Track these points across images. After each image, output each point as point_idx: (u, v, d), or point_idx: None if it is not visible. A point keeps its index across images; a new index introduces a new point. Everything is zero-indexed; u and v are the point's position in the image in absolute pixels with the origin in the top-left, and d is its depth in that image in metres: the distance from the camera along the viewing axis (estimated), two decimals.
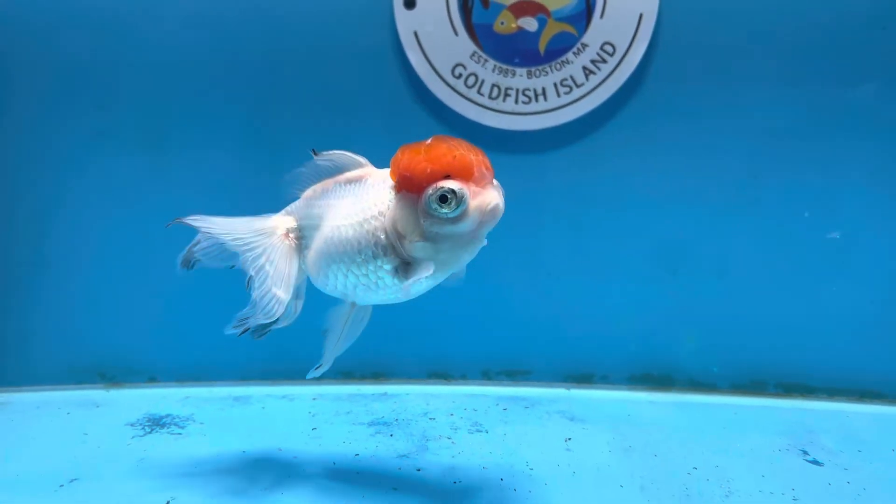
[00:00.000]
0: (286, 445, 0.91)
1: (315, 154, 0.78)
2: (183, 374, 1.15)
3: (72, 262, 1.12)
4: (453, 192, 0.68)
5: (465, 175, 0.69)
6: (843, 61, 1.08)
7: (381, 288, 0.74)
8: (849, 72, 1.08)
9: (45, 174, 1.11)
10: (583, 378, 1.17)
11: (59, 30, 1.08)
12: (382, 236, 0.71)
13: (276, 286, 0.76)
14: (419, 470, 0.84)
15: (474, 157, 0.70)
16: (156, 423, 0.98)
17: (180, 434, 0.95)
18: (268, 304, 0.75)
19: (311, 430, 0.96)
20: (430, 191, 0.68)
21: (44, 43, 1.08)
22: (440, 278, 0.75)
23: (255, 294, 0.76)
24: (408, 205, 0.70)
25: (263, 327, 0.81)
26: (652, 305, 1.15)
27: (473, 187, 0.69)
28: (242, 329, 0.78)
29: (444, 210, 0.68)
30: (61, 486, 0.80)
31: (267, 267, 0.77)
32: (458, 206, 0.68)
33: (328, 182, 0.78)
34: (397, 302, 0.78)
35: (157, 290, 1.14)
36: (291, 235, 0.79)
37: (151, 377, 1.15)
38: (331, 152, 0.78)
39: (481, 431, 0.96)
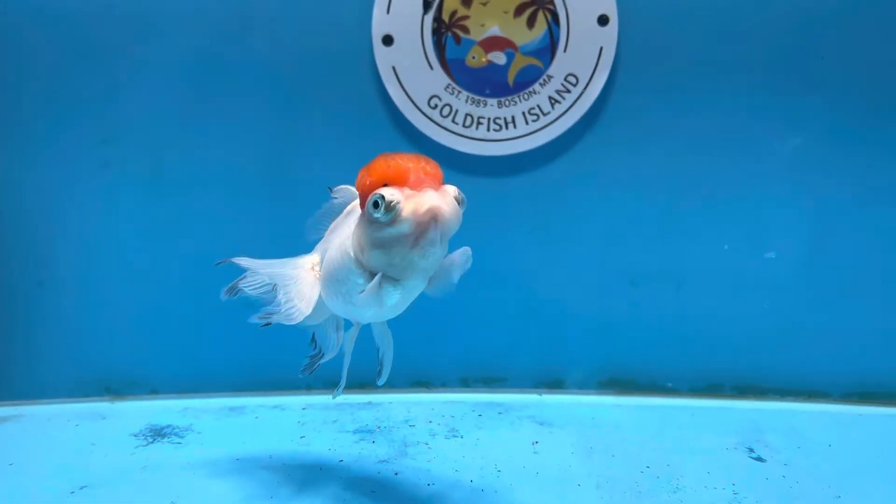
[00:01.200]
0: (276, 453, 0.99)
1: (331, 191, 0.85)
2: (182, 386, 1.23)
3: (77, 281, 1.21)
4: (382, 196, 0.69)
5: (400, 181, 0.71)
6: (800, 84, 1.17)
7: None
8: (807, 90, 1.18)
9: (51, 197, 1.19)
10: (555, 384, 1.25)
11: (67, 66, 1.17)
12: (351, 252, 0.76)
13: (300, 299, 0.81)
14: (396, 474, 0.93)
15: (412, 164, 0.72)
16: (157, 433, 1.07)
17: (180, 443, 1.03)
18: (289, 309, 0.81)
19: (300, 438, 1.04)
20: (368, 200, 0.71)
21: (54, 78, 1.17)
22: (414, 288, 0.77)
23: (279, 297, 0.82)
24: (360, 218, 0.75)
25: (312, 362, 0.90)
26: (616, 315, 1.24)
27: (408, 191, 0.70)
28: (265, 322, 0.83)
29: (377, 215, 0.70)
30: (72, 492, 0.89)
31: (293, 285, 0.83)
32: (388, 209, 0.69)
33: (339, 217, 0.85)
34: (389, 316, 0.84)
35: (158, 308, 1.22)
36: (315, 268, 0.85)
37: (153, 389, 1.23)
38: (339, 187, 0.86)
39: (457, 437, 1.05)
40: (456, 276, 0.80)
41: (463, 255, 0.81)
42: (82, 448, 1.02)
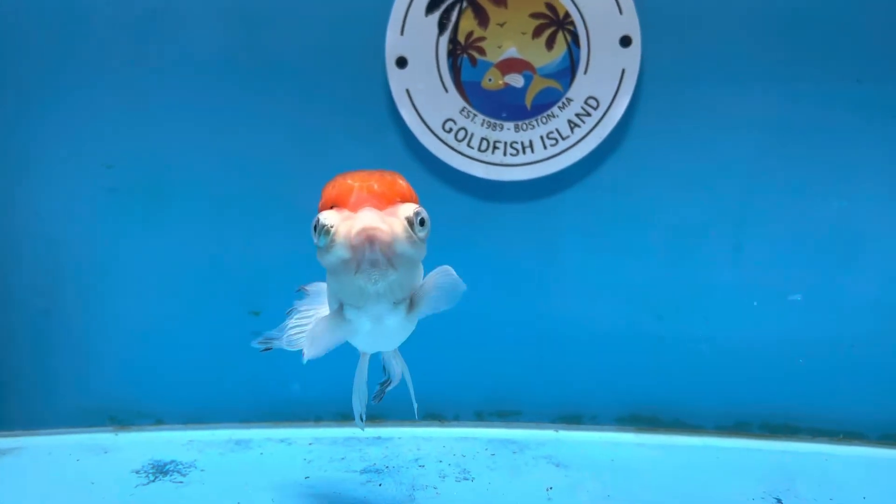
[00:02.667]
0: (280, 497, 0.95)
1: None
2: (188, 416, 1.20)
3: (82, 309, 1.18)
4: (318, 220, 0.67)
5: (342, 202, 0.68)
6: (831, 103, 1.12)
7: None
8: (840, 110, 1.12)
9: (56, 224, 1.16)
10: (572, 419, 1.20)
11: (71, 92, 1.14)
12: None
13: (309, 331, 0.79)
14: None
15: (359, 183, 0.68)
16: (160, 470, 1.04)
17: (181, 483, 1.00)
18: (294, 336, 0.80)
19: (305, 479, 1.00)
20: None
21: (58, 103, 1.15)
22: (382, 314, 0.72)
23: (288, 321, 0.80)
24: None
25: (382, 389, 0.88)
26: (638, 348, 1.19)
27: (346, 213, 0.67)
28: (266, 346, 0.82)
29: (315, 240, 0.67)
30: None
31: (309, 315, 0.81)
32: (323, 234, 0.67)
33: None
34: (384, 346, 0.82)
35: (163, 337, 1.19)
36: None
37: (158, 420, 1.20)
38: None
39: (468, 479, 1.00)
40: (439, 301, 0.74)
41: (441, 275, 0.73)
42: (81, 487, 0.98)
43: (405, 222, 0.67)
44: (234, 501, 0.94)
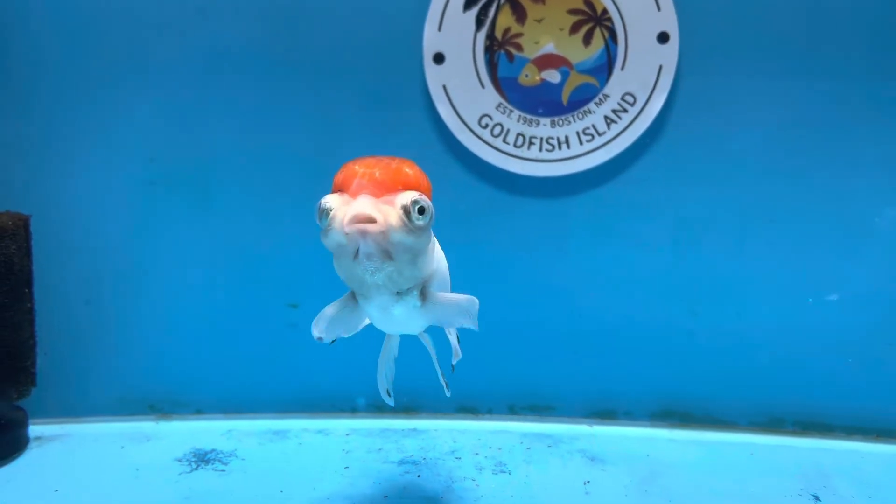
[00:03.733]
0: (320, 485, 0.97)
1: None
2: (227, 406, 1.22)
3: (124, 299, 1.20)
4: (321, 201, 0.68)
5: (344, 187, 0.68)
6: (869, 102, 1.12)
7: None
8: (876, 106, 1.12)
9: (98, 216, 1.19)
10: (606, 414, 1.21)
11: (114, 87, 1.17)
12: None
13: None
14: None
15: (363, 169, 0.68)
16: (201, 458, 1.06)
17: (223, 471, 1.02)
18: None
19: (344, 469, 1.02)
20: None
21: (102, 98, 1.17)
22: (386, 304, 0.72)
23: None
24: None
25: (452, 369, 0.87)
26: (672, 344, 1.19)
27: (347, 198, 0.67)
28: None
29: (318, 219, 0.68)
30: None
31: None
32: (322, 217, 0.68)
33: None
34: (400, 329, 0.82)
35: (203, 327, 1.21)
36: None
37: (198, 409, 1.22)
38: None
39: (505, 472, 1.01)
40: (452, 320, 0.74)
41: (466, 303, 0.74)
42: (127, 474, 1.01)
43: (401, 211, 0.67)
44: (277, 490, 0.96)
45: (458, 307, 0.73)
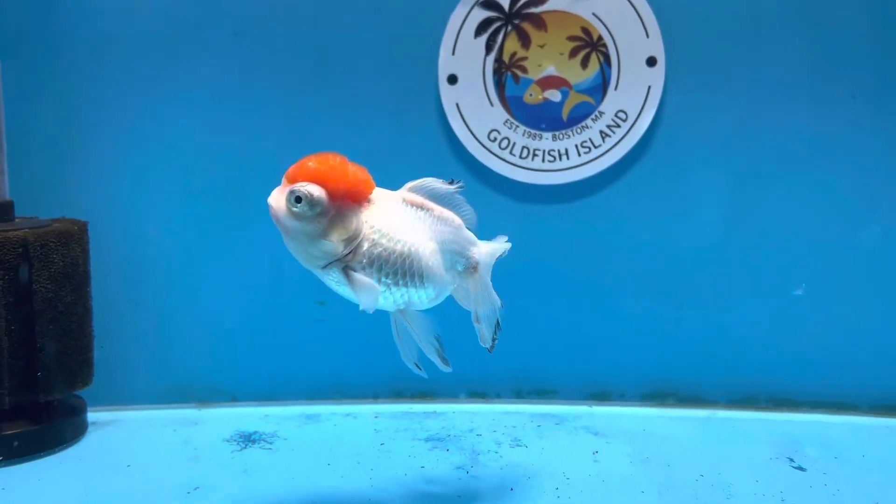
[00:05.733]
0: (363, 459, 1.10)
1: None
2: (260, 395, 1.34)
3: (165, 299, 1.32)
4: None
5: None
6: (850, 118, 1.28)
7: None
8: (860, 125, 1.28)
9: (143, 224, 1.30)
10: (602, 396, 1.36)
11: (151, 103, 1.28)
12: None
13: None
14: (476, 478, 1.04)
15: (302, 160, 0.83)
16: (247, 439, 1.18)
17: (271, 449, 1.14)
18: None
19: (380, 446, 1.15)
20: None
21: (142, 115, 1.28)
22: (332, 281, 0.86)
23: None
24: None
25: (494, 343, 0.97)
26: (661, 333, 1.34)
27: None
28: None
29: None
30: (188, 493, 0.99)
31: None
32: None
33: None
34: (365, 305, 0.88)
35: (237, 323, 1.33)
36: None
37: (234, 398, 1.34)
38: None
39: (521, 446, 1.15)
40: (362, 297, 0.85)
41: (367, 285, 0.85)
42: (186, 451, 1.13)
43: (285, 198, 0.81)
44: (324, 462, 1.08)
45: (362, 287, 0.85)
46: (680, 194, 1.31)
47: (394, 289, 0.86)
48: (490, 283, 0.94)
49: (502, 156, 1.31)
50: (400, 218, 0.87)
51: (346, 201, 0.83)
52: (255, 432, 1.20)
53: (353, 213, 0.84)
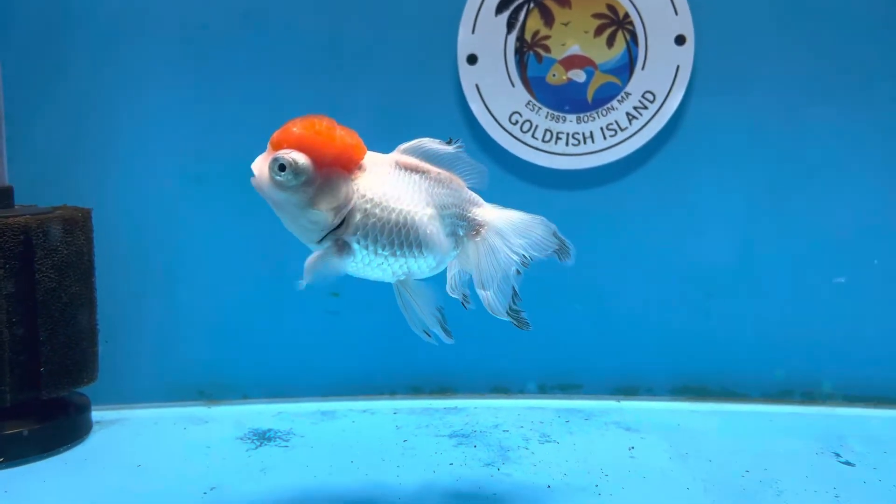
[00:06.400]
0: (388, 456, 1.04)
1: None
2: (271, 390, 1.28)
3: (173, 290, 1.26)
4: None
5: None
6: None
7: None
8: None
9: (149, 212, 1.24)
10: (629, 390, 1.30)
11: (164, 86, 1.22)
12: None
13: None
14: (510, 476, 0.98)
15: (285, 126, 0.78)
16: (262, 437, 1.11)
17: (287, 446, 1.08)
18: None
19: (403, 443, 1.09)
20: None
21: (153, 97, 1.22)
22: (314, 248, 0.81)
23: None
24: None
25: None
26: (689, 324, 1.28)
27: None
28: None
29: None
30: (205, 493, 0.93)
31: None
32: None
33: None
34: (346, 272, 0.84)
35: (247, 316, 1.27)
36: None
37: (244, 394, 1.28)
38: None
39: (551, 442, 1.09)
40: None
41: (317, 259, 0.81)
42: (199, 450, 1.06)
43: (268, 167, 0.76)
44: (347, 460, 1.02)
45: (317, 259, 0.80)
46: (710, 179, 1.26)
47: (391, 259, 0.82)
48: (501, 248, 0.87)
49: (524, 139, 1.25)
50: (393, 184, 0.82)
51: (334, 168, 0.78)
52: (270, 430, 1.14)
53: (343, 181, 0.79)
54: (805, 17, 1.21)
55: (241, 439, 1.11)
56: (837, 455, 1.05)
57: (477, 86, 1.24)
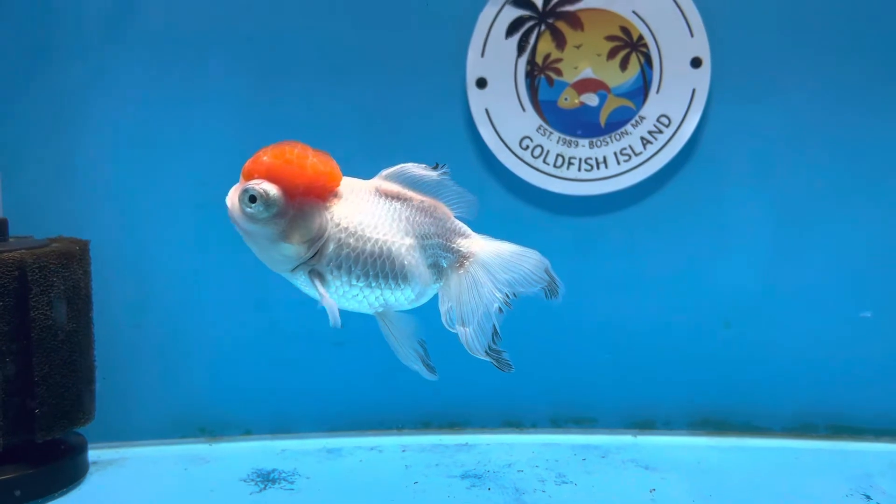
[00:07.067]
0: (398, 499, 0.99)
1: None
2: (274, 427, 1.24)
3: (172, 322, 1.22)
4: None
5: None
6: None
7: None
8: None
9: (147, 241, 1.20)
10: (645, 424, 1.25)
11: (159, 112, 1.18)
12: None
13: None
14: None
15: (256, 155, 0.76)
16: (266, 478, 1.07)
17: (292, 489, 1.03)
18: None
19: (414, 484, 1.04)
20: None
21: (148, 122, 1.18)
22: (292, 280, 0.80)
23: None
24: None
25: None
26: (707, 354, 1.24)
27: None
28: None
29: None
30: None
31: None
32: None
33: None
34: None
35: (249, 349, 1.22)
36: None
37: (247, 430, 1.23)
38: None
39: (568, 483, 1.05)
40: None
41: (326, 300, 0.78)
42: (201, 494, 1.02)
43: (238, 198, 0.75)
44: None
45: (326, 303, 0.78)
46: (728, 204, 1.21)
47: (367, 291, 0.79)
48: (484, 282, 0.82)
49: (535, 164, 1.21)
50: (371, 212, 0.79)
51: (306, 199, 0.76)
52: (274, 470, 1.10)
53: (317, 211, 0.77)
54: (823, 38, 1.17)
55: (245, 481, 1.06)
56: (868, 497, 1.00)
57: (486, 110, 1.21)
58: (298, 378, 1.24)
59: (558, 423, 1.26)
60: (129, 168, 1.19)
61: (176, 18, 1.17)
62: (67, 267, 1.01)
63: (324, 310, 0.78)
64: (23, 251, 0.97)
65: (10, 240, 1.04)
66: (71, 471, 1.04)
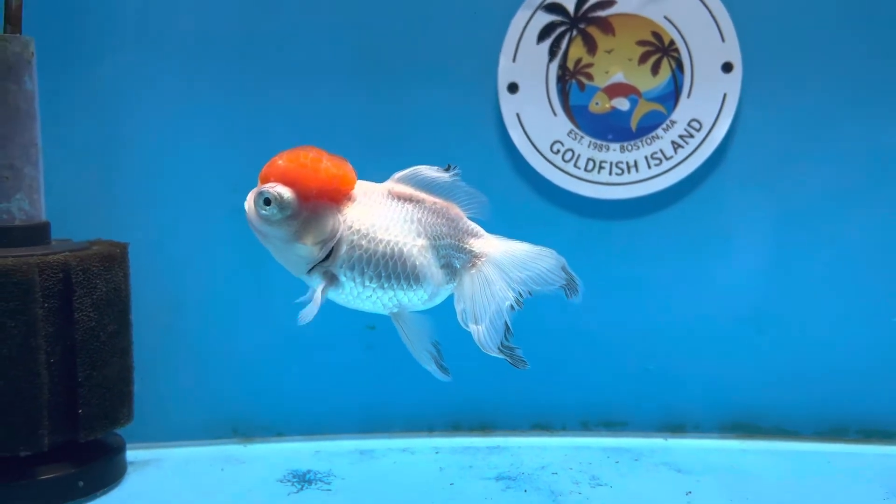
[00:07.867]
0: (437, 501, 1.00)
1: None
2: (307, 428, 1.24)
3: (205, 324, 1.23)
4: None
5: None
6: None
7: None
8: None
9: (182, 245, 1.21)
10: (676, 427, 1.26)
11: (194, 117, 1.20)
12: None
13: None
14: None
15: (272, 160, 0.78)
16: (302, 479, 1.08)
17: (329, 490, 1.04)
18: None
19: (450, 486, 1.05)
20: None
21: (185, 132, 1.20)
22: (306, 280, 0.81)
23: None
24: None
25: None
26: (738, 358, 1.24)
27: None
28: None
29: None
30: None
31: None
32: None
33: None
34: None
35: (281, 351, 1.23)
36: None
37: (279, 432, 1.24)
38: None
39: (603, 486, 1.05)
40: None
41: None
42: (240, 494, 1.03)
43: (253, 201, 0.78)
44: None
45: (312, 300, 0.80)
46: (759, 209, 1.22)
47: (380, 292, 0.80)
48: (496, 280, 0.82)
49: (566, 169, 1.22)
50: (383, 214, 0.80)
51: (320, 201, 0.78)
52: (310, 471, 1.11)
53: (330, 214, 0.79)
54: (854, 43, 1.18)
55: (282, 481, 1.07)
56: None
57: (518, 115, 1.21)
58: (330, 380, 1.25)
59: (588, 425, 1.27)
60: (164, 173, 1.21)
61: (211, 25, 1.19)
62: (109, 269, 1.02)
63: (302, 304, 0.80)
64: (66, 254, 0.98)
65: (52, 242, 1.05)
66: (110, 471, 1.05)
